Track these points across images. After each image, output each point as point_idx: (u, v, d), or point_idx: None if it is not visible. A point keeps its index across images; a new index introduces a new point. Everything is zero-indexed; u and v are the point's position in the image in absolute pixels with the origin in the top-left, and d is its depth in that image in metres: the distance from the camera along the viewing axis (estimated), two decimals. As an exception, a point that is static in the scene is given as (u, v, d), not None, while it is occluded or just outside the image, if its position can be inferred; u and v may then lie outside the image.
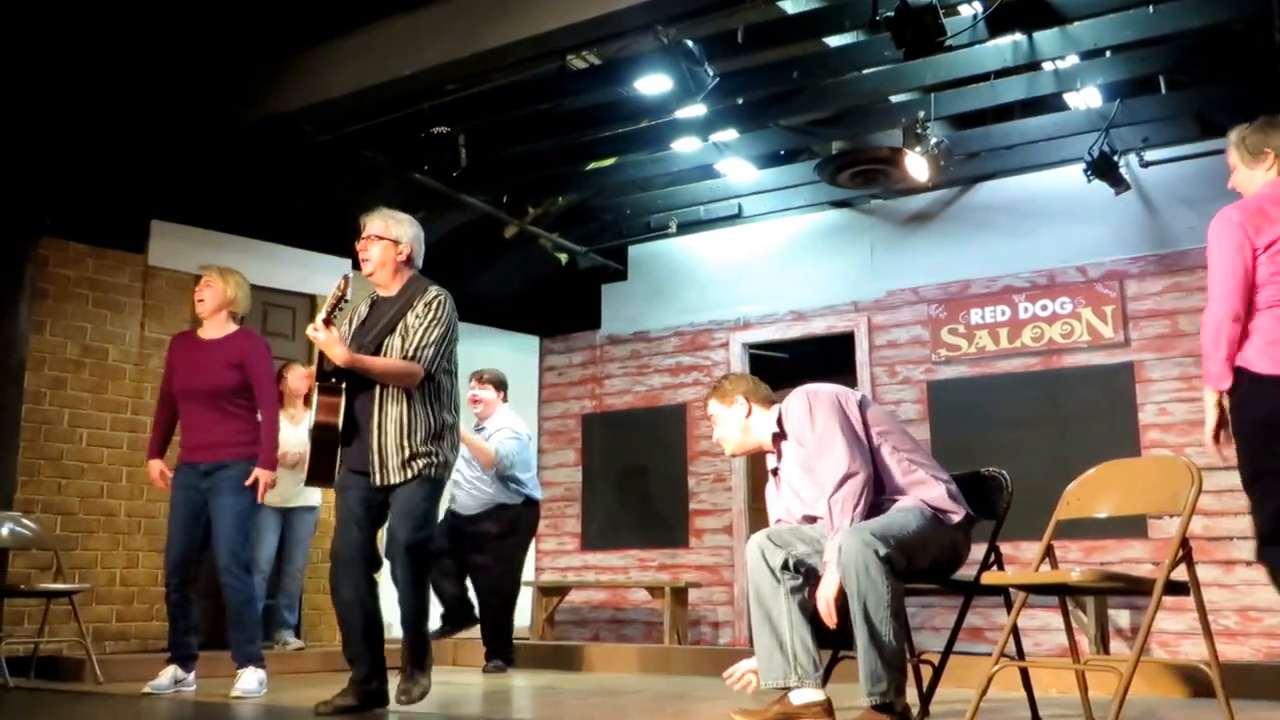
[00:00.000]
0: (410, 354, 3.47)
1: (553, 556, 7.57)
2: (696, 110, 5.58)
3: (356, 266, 6.48)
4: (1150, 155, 5.89)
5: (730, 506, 6.94)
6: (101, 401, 5.53)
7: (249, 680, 4.10)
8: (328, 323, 3.40)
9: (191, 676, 4.22)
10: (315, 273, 6.42)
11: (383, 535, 3.62)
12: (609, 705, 3.95)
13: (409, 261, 3.66)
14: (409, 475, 3.46)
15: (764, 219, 7.14)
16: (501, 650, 5.43)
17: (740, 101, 5.61)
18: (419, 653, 3.59)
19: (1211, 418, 2.80)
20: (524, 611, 6.86)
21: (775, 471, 3.26)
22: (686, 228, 7.30)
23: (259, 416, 4.26)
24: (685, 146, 6.28)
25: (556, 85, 5.38)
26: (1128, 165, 5.83)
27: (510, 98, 5.45)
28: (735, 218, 7.14)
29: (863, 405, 3.11)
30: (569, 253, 7.51)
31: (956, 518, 2.98)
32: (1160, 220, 5.96)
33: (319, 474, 3.53)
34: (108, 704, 3.99)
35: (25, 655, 4.88)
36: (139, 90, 5.17)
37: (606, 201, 7.29)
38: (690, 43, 4.84)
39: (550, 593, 7.03)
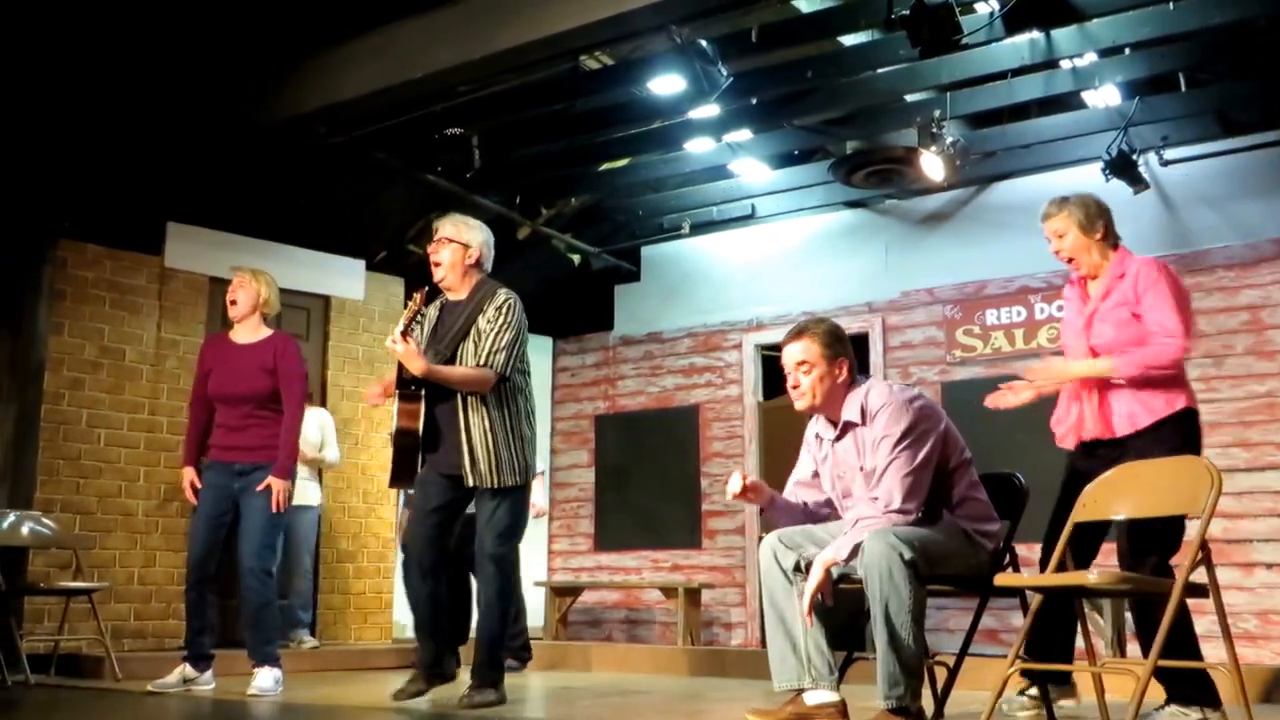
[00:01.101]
0: (483, 360, 3.59)
1: (566, 557, 7.58)
2: (710, 110, 5.57)
3: (371, 268, 6.61)
4: (1170, 154, 5.83)
5: (743, 508, 6.92)
6: (119, 402, 5.56)
7: (265, 679, 4.12)
8: (405, 335, 3.50)
9: (207, 675, 4.24)
10: (330, 274, 6.45)
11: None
12: (622, 705, 3.95)
13: (478, 265, 3.78)
14: (495, 483, 3.61)
15: (778, 219, 7.12)
16: (517, 651, 5.44)
17: (754, 101, 5.59)
18: (492, 664, 3.68)
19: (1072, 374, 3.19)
20: (537, 612, 6.87)
21: (817, 439, 3.10)
22: (700, 228, 7.29)
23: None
24: (699, 147, 6.27)
25: (569, 86, 5.38)
26: (1147, 164, 5.78)
27: (523, 99, 5.46)
28: (749, 218, 7.12)
29: (947, 432, 2.95)
30: (582, 254, 7.51)
31: (989, 545, 2.98)
32: (1180, 220, 5.91)
33: (400, 477, 3.70)
34: (126, 701, 4.02)
35: (46, 653, 4.93)
36: (154, 93, 5.20)
37: (619, 202, 7.29)
38: (704, 42, 4.83)
39: (563, 593, 7.03)
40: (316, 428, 5.77)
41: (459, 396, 3.62)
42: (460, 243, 3.74)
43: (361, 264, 6.60)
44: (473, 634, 3.88)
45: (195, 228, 5.90)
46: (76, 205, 5.49)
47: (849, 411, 2.98)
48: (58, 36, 4.84)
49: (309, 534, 5.79)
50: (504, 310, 3.64)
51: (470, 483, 3.62)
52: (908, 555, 2.69)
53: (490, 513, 3.65)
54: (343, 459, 6.12)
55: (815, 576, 2.81)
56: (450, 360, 3.62)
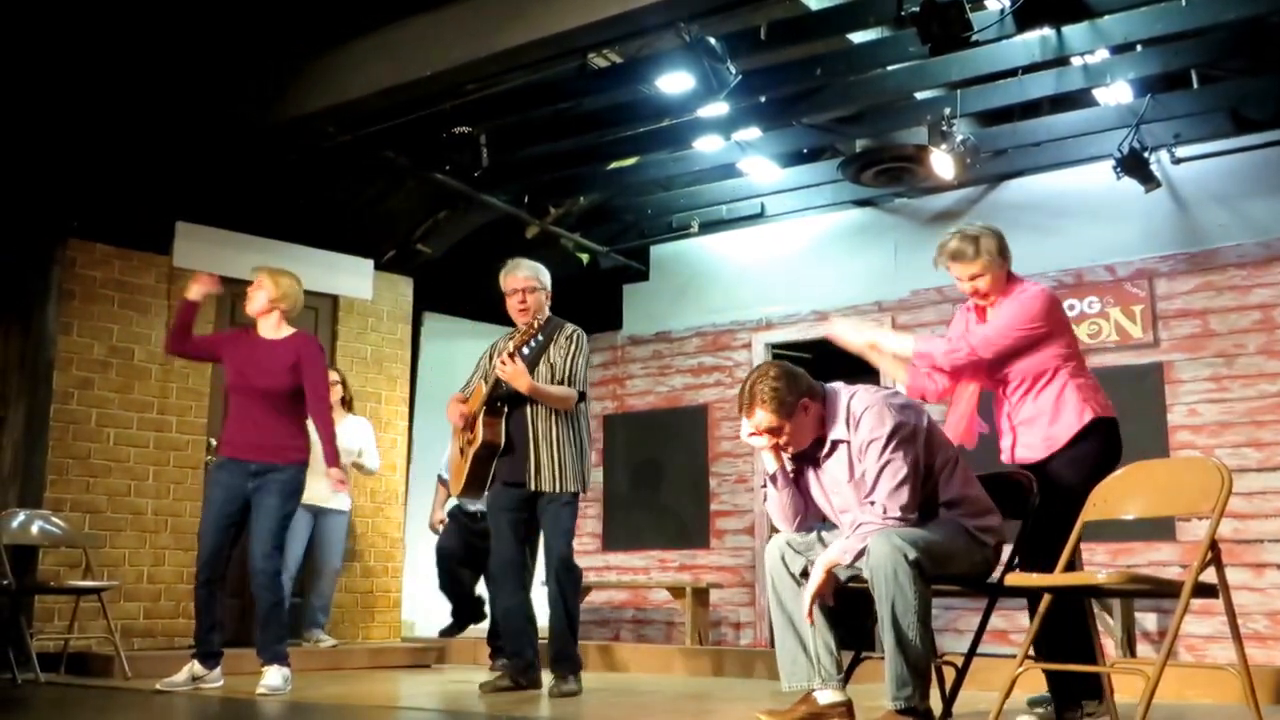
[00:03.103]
0: (564, 381, 4.15)
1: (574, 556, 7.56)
2: (719, 109, 5.55)
3: (380, 267, 6.61)
4: (1182, 151, 5.80)
5: (751, 507, 6.91)
6: (128, 401, 5.58)
7: (274, 677, 4.12)
8: (512, 356, 4.04)
9: (215, 673, 4.24)
10: (339, 273, 6.45)
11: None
12: (630, 705, 3.94)
13: (549, 302, 4.37)
14: (559, 488, 4.06)
15: (787, 218, 7.10)
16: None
17: (763, 99, 5.57)
18: (571, 660, 4.09)
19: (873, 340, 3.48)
20: (545, 612, 6.87)
21: (792, 470, 3.06)
22: (708, 227, 7.27)
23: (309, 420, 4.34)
24: (707, 145, 6.25)
25: (577, 84, 5.37)
26: (1158, 162, 5.75)
27: (531, 97, 5.45)
28: (758, 217, 7.10)
29: (930, 431, 2.95)
30: (590, 253, 7.50)
31: (990, 540, 2.98)
32: (1191, 218, 5.87)
33: (475, 485, 4.14)
34: (136, 699, 4.03)
35: (56, 651, 4.95)
36: (162, 93, 5.21)
37: (628, 201, 7.28)
38: (712, 40, 4.81)
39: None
40: (356, 435, 5.80)
41: (529, 412, 4.11)
42: (542, 287, 4.31)
43: (370, 264, 6.60)
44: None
45: (204, 227, 5.91)
46: (85, 205, 5.51)
47: (835, 430, 2.95)
48: (66, 36, 4.85)
49: (338, 537, 5.81)
50: (573, 340, 4.22)
51: (533, 487, 4.05)
52: (912, 555, 2.68)
53: (555, 517, 4.08)
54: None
55: (816, 578, 2.81)
56: None
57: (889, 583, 2.68)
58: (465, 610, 5.70)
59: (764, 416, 2.91)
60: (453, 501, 5.77)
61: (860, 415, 2.90)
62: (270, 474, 4.18)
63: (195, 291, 4.34)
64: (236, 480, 4.21)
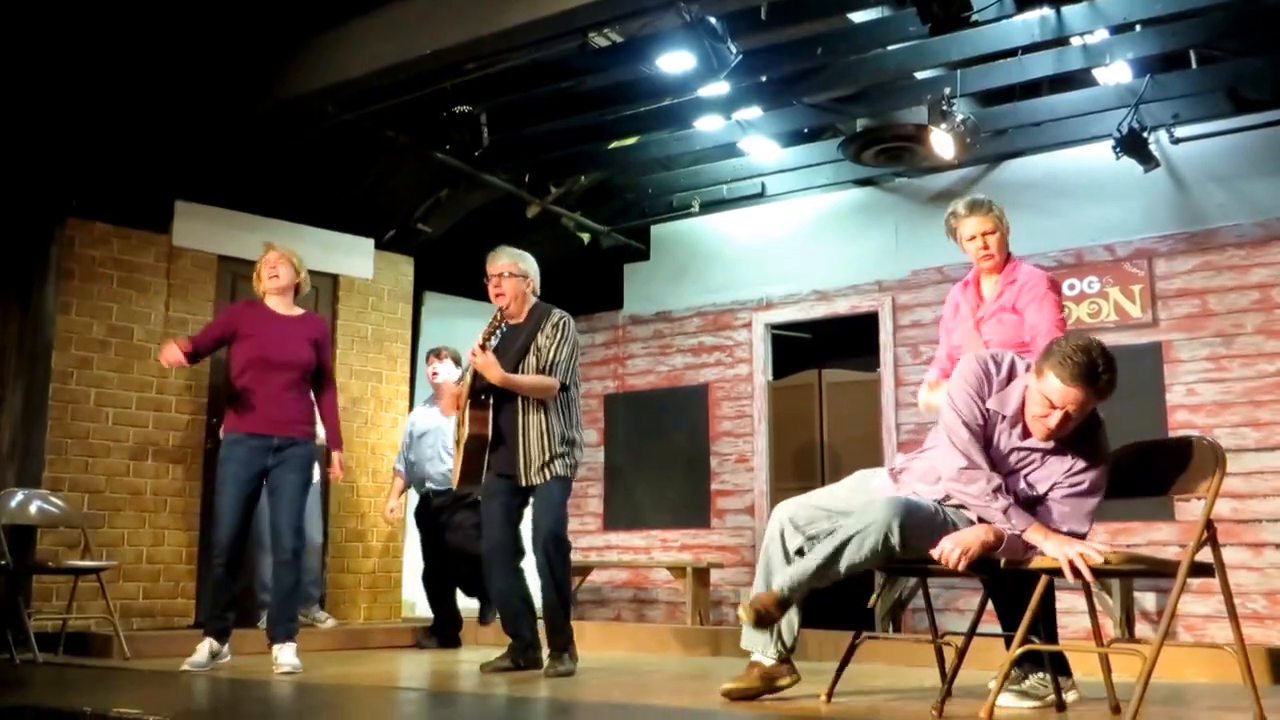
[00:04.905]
0: (546, 370, 4.09)
1: (575, 536, 7.53)
2: (719, 88, 5.53)
3: (380, 246, 6.60)
4: (1180, 131, 5.80)
5: (752, 487, 6.93)
6: (127, 381, 5.57)
7: (290, 654, 4.13)
8: (483, 347, 4.02)
9: (226, 649, 4.26)
10: (339, 253, 6.44)
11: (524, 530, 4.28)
12: (630, 684, 3.96)
13: (533, 291, 4.28)
14: (548, 476, 4.06)
15: (787, 198, 7.09)
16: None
17: (763, 79, 5.55)
18: (563, 634, 4.09)
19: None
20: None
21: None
22: (709, 207, 7.26)
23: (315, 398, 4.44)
24: (708, 125, 6.23)
25: (578, 63, 5.35)
26: (1157, 142, 5.74)
27: (532, 76, 5.43)
28: (758, 197, 7.10)
29: None
30: (591, 232, 7.49)
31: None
32: (1190, 198, 5.87)
33: (469, 477, 4.15)
34: (135, 679, 4.04)
35: (54, 631, 4.95)
36: (162, 72, 5.18)
37: (629, 181, 7.26)
38: (713, 19, 4.79)
39: (571, 572, 7.04)
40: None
41: (519, 404, 4.08)
42: (519, 274, 4.20)
43: (370, 243, 6.59)
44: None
45: (203, 206, 5.89)
46: (84, 183, 5.48)
47: (1072, 443, 2.82)
48: (66, 14, 4.81)
49: (314, 512, 5.81)
50: (560, 328, 4.15)
51: (523, 482, 4.07)
52: (894, 539, 2.76)
53: (547, 496, 4.08)
54: (350, 438, 6.13)
55: (973, 544, 2.72)
56: (513, 372, 4.07)
57: (863, 532, 2.77)
58: (447, 620, 5.70)
59: (1093, 395, 2.70)
60: (413, 495, 5.82)
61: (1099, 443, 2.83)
62: (292, 449, 4.21)
63: (166, 357, 4.23)
64: (256, 456, 4.18)
